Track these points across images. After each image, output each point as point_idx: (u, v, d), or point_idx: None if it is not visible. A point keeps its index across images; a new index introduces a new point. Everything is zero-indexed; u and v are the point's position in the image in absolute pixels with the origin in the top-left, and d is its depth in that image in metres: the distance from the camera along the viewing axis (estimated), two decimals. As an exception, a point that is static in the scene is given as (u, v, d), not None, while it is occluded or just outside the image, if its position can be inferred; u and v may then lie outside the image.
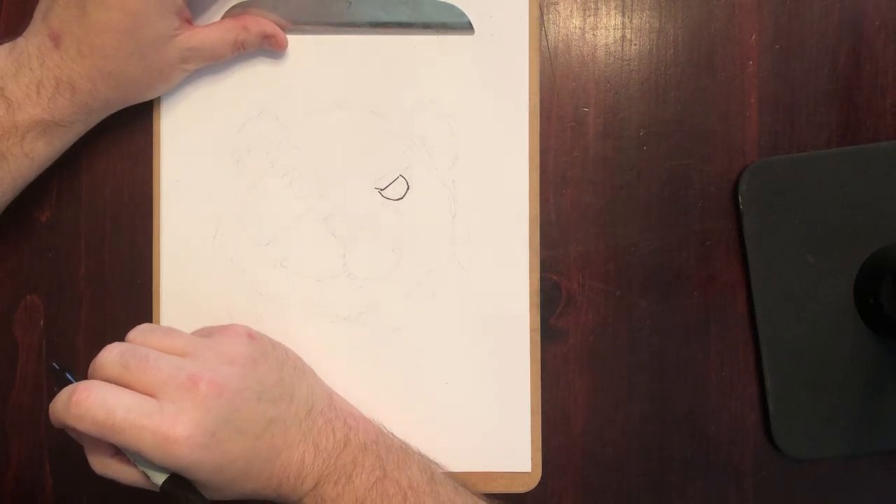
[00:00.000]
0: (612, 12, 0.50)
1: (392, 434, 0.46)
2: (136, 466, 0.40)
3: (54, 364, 0.43)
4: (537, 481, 0.49)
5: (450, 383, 0.48)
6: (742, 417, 0.50)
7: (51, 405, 0.39)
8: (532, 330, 0.49)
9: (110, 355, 0.39)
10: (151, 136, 0.49)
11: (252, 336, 0.43)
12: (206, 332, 0.44)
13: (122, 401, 0.38)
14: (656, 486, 0.50)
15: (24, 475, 0.49)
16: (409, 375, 0.49)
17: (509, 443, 0.48)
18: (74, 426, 0.38)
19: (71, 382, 0.40)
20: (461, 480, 0.45)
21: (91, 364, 0.40)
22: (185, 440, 0.37)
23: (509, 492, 0.48)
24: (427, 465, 0.44)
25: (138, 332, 0.42)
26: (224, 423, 0.39)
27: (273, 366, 0.43)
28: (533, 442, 0.49)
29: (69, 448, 0.49)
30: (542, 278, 0.49)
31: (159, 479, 0.39)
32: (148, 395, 0.38)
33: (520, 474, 0.49)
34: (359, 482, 0.41)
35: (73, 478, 0.49)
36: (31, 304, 0.49)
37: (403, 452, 0.44)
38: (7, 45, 0.43)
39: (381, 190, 0.49)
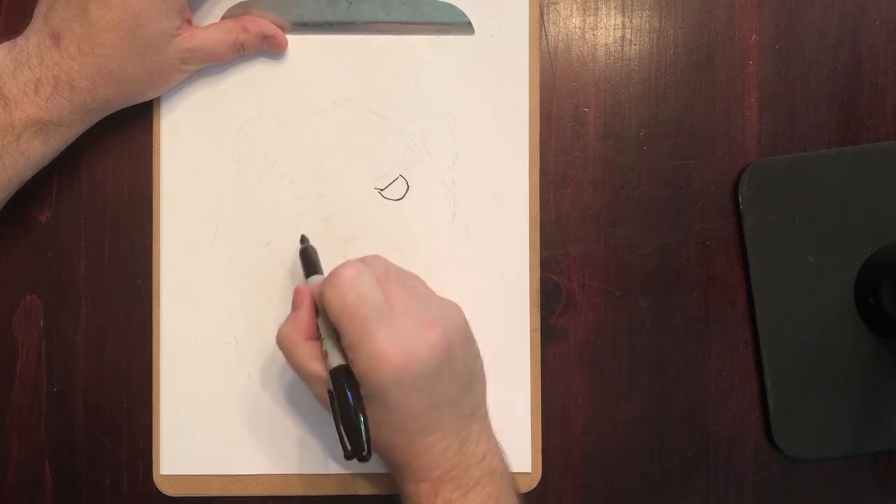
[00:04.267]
0: (612, 12, 0.50)
1: (514, 477, 0.45)
2: (318, 361, 0.41)
3: (306, 239, 0.47)
4: (537, 481, 0.49)
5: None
6: (742, 417, 0.50)
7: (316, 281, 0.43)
8: (532, 330, 0.49)
9: (382, 261, 0.43)
10: (151, 136, 0.49)
11: (466, 322, 0.44)
12: (426, 294, 0.44)
13: (373, 297, 0.40)
14: (656, 486, 0.50)
15: (24, 475, 0.49)
16: (409, 375, 0.49)
17: (509, 443, 0.47)
18: (324, 291, 0.40)
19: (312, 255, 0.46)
20: None
21: (362, 259, 0.42)
22: (392, 367, 0.39)
23: (509, 492, 0.48)
24: None
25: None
26: (426, 378, 0.40)
27: (472, 354, 0.44)
28: (533, 442, 0.49)
29: (69, 448, 0.49)
30: (542, 278, 0.49)
31: (335, 361, 0.40)
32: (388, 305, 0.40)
33: (520, 474, 0.49)
34: (472, 500, 0.41)
35: (73, 478, 0.49)
36: (30, 304, 0.49)
37: (516, 498, 0.44)
38: (6, 44, 0.43)
39: (381, 190, 0.49)
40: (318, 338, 0.42)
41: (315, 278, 0.45)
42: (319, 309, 0.42)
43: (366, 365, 0.39)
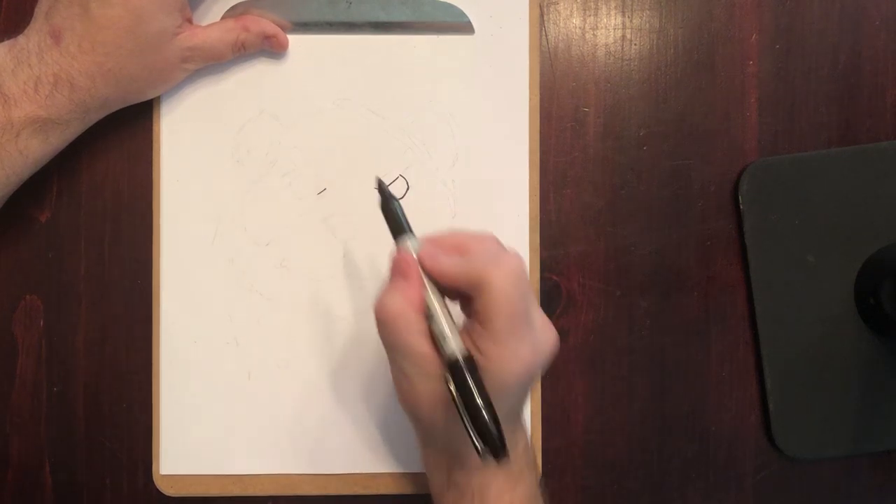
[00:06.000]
0: (612, 12, 0.50)
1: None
2: (426, 341, 0.38)
3: (385, 187, 0.40)
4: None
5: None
6: (742, 417, 0.50)
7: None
8: (532, 330, 0.49)
9: (524, 267, 0.39)
10: (151, 136, 0.49)
11: None
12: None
13: (531, 294, 0.38)
14: (656, 486, 0.50)
15: (24, 475, 0.49)
16: (409, 375, 0.49)
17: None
18: (494, 279, 0.36)
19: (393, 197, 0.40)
20: None
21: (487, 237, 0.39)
22: (526, 370, 0.37)
23: (509, 492, 0.48)
24: None
25: None
26: (535, 378, 0.39)
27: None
28: (533, 442, 0.49)
29: (69, 448, 0.49)
30: (542, 278, 0.49)
31: (456, 348, 0.37)
32: None
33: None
34: (519, 492, 0.40)
35: (73, 478, 0.49)
36: (30, 304, 0.49)
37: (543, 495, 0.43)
38: (7, 43, 0.43)
39: (381, 190, 0.49)
40: (426, 315, 0.38)
41: (411, 242, 0.39)
42: (427, 280, 0.38)
43: (503, 363, 0.36)
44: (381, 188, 0.41)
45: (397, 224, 0.40)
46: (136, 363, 0.49)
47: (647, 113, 0.50)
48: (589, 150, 0.50)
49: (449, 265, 0.38)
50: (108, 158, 0.49)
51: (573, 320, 0.50)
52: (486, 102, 0.49)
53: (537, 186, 0.49)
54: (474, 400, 0.35)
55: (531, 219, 0.49)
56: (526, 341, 0.37)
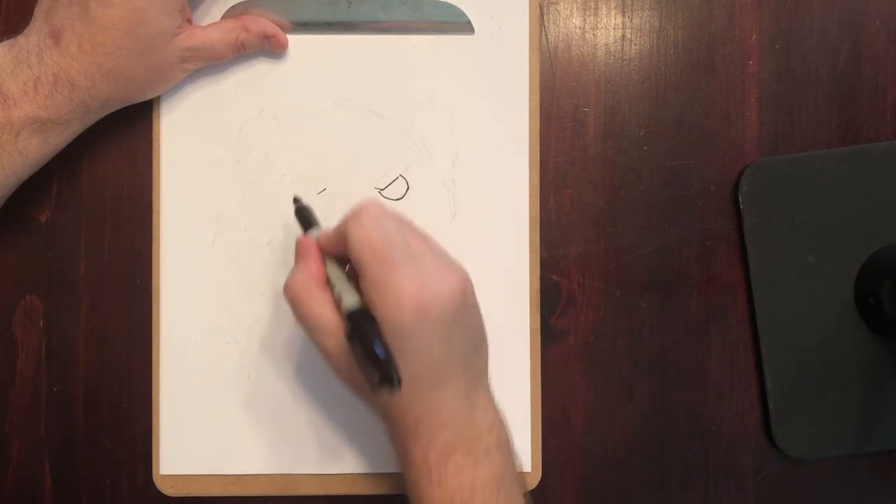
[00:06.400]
0: (612, 12, 0.50)
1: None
2: (331, 310, 0.40)
3: (299, 198, 0.46)
4: (537, 481, 0.49)
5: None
6: (742, 417, 0.50)
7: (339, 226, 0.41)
8: (532, 330, 0.49)
9: (395, 212, 0.41)
10: (151, 136, 0.49)
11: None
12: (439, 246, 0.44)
13: (398, 237, 0.39)
14: (656, 486, 0.50)
15: (24, 475, 0.49)
16: (409, 375, 0.49)
17: (509, 443, 0.48)
18: (349, 228, 0.39)
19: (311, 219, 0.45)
20: None
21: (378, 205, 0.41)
22: (414, 307, 0.38)
23: (509, 492, 0.48)
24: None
25: None
26: (445, 323, 0.39)
27: (480, 317, 0.43)
28: (533, 442, 0.49)
29: (69, 448, 0.49)
30: (542, 278, 0.49)
31: (353, 302, 0.39)
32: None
33: (520, 474, 0.48)
34: (481, 472, 0.40)
35: (73, 478, 0.49)
36: (30, 304, 0.49)
37: (519, 472, 0.43)
38: (7, 43, 0.43)
39: (381, 190, 0.49)
40: (328, 286, 0.41)
41: (315, 230, 0.44)
42: (326, 257, 0.42)
43: (388, 304, 0.38)
44: (296, 198, 0.46)
45: (306, 221, 0.45)
46: (137, 363, 0.49)
47: (647, 113, 0.50)
48: (589, 150, 0.50)
49: (326, 235, 0.42)
50: (108, 158, 0.49)
51: (573, 320, 0.50)
52: (486, 102, 0.49)
53: (537, 186, 0.49)
54: (367, 339, 0.37)
55: (531, 219, 0.49)
56: (407, 279, 0.38)
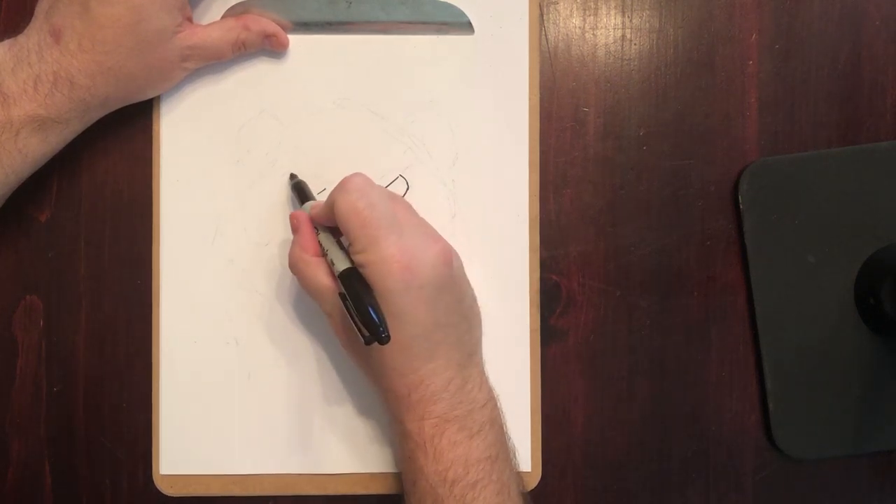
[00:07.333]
0: (612, 12, 0.50)
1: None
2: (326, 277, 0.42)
3: (295, 174, 0.48)
4: (537, 481, 0.49)
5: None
6: (742, 417, 0.50)
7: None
8: (532, 330, 0.49)
9: (369, 182, 0.42)
10: (151, 136, 0.49)
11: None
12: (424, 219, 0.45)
13: (382, 205, 0.41)
14: (656, 486, 0.50)
15: (24, 475, 0.49)
16: (409, 375, 0.49)
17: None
18: (335, 197, 0.41)
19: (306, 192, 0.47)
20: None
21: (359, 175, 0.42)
22: (399, 271, 0.39)
23: (509, 492, 0.48)
24: (519, 479, 0.45)
25: None
26: (432, 289, 0.41)
27: (470, 292, 0.45)
28: (533, 442, 0.49)
29: (69, 448, 0.49)
30: (542, 278, 0.49)
31: (343, 265, 0.41)
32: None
33: (519, 474, 0.48)
34: (475, 446, 0.41)
35: (73, 478, 0.49)
36: (30, 304, 0.49)
37: (511, 449, 0.45)
38: (7, 42, 0.43)
39: (381, 190, 0.49)
40: (323, 255, 0.43)
41: (309, 204, 0.45)
42: (319, 227, 0.44)
43: (375, 268, 0.40)
44: (292, 175, 0.48)
45: (302, 196, 0.47)
46: (136, 363, 0.49)
47: (647, 113, 0.50)
48: (589, 150, 0.50)
49: (318, 208, 0.44)
50: (108, 158, 0.49)
51: (573, 320, 0.50)
52: (486, 102, 0.49)
53: (537, 186, 0.49)
54: (358, 297, 0.39)
55: (531, 219, 0.49)
56: (393, 245, 0.40)
